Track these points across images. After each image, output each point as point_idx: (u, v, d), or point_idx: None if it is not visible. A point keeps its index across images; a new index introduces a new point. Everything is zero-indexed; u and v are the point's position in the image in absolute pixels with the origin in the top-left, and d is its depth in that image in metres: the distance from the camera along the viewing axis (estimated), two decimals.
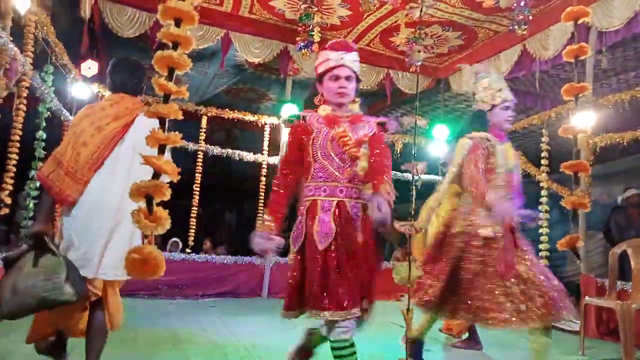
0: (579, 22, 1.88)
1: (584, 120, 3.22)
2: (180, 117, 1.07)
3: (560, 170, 2.00)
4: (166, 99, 1.07)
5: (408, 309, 2.24)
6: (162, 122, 1.05)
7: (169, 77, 1.07)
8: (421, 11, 1.53)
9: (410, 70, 5.96)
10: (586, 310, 3.88)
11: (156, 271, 1.04)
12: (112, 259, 2.12)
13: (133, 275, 1.02)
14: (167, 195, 1.03)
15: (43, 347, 2.27)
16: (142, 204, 1.03)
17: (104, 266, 2.12)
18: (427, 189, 7.37)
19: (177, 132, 1.04)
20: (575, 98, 1.81)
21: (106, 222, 2.14)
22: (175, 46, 1.07)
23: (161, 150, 1.04)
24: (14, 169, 3.93)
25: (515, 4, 4.56)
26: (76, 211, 2.13)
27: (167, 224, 1.03)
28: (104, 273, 2.12)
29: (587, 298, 3.89)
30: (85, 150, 2.13)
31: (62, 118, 5.23)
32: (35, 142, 4.49)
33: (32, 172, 4.48)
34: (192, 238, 6.02)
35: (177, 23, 1.08)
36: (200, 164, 6.12)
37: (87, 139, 2.15)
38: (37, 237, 2.03)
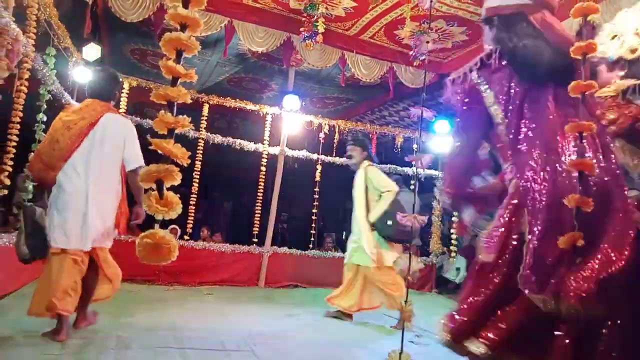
0: (588, 18, 1.85)
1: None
2: (189, 100, 1.06)
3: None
4: (174, 81, 1.05)
5: (406, 301, 2.25)
6: (170, 105, 1.04)
7: (177, 60, 1.06)
8: (432, 1, 1.50)
9: (414, 64, 5.93)
10: None
11: (169, 256, 1.04)
12: (83, 237, 2.78)
13: (145, 260, 1.02)
14: (178, 179, 1.03)
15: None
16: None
17: (73, 241, 2.78)
18: (427, 184, 7.40)
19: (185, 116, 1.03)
20: (582, 96, 1.78)
21: (78, 202, 2.78)
22: (184, 28, 1.06)
23: (170, 133, 1.03)
24: (14, 151, 3.91)
25: None
26: (55, 192, 2.81)
27: (179, 209, 1.03)
28: (69, 245, 2.77)
29: None
30: (57, 145, 2.78)
31: (63, 101, 5.20)
32: (36, 124, 4.46)
33: (32, 155, 4.46)
34: (191, 225, 6.02)
35: (185, 4, 1.07)
36: (201, 152, 6.10)
37: (59, 137, 2.81)
38: (29, 208, 2.81)
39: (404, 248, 4.39)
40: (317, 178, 6.68)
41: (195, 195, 6.03)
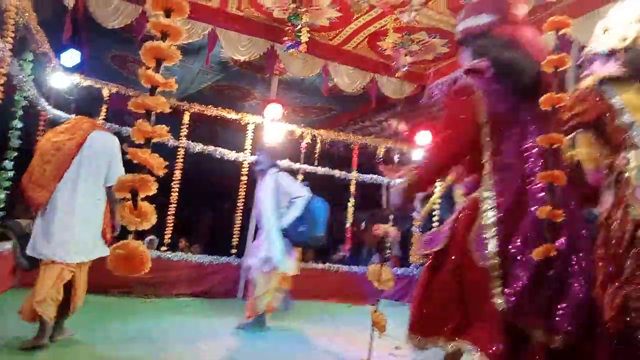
0: (560, 32, 1.90)
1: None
2: (168, 110, 1.03)
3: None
4: (153, 90, 1.03)
5: (376, 311, 2.25)
6: (148, 114, 1.02)
7: (156, 69, 1.04)
8: (410, 15, 1.51)
9: (396, 75, 5.99)
10: None
11: (141, 267, 1.01)
12: (80, 251, 2.90)
13: (117, 271, 0.98)
14: (153, 189, 1.00)
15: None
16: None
17: (72, 256, 2.88)
18: None
19: (163, 125, 1.01)
20: (553, 109, 1.81)
21: (69, 217, 2.88)
22: (164, 37, 1.04)
23: (147, 143, 1.01)
24: None
25: None
26: (46, 212, 2.88)
27: (153, 219, 1.00)
28: (68, 259, 2.87)
29: None
30: (49, 167, 2.89)
31: (39, 107, 5.08)
32: (10, 131, 4.35)
33: (6, 163, 4.34)
34: (169, 236, 5.92)
35: (167, 13, 1.05)
36: (181, 160, 6.02)
37: (49, 158, 2.91)
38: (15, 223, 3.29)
39: (382, 259, 4.39)
40: None
41: (175, 205, 5.93)
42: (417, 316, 1.77)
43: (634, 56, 1.83)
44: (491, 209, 1.62)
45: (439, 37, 5.62)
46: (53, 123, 5.47)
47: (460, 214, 1.75)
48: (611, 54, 1.89)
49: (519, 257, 1.53)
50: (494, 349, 1.47)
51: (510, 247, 1.56)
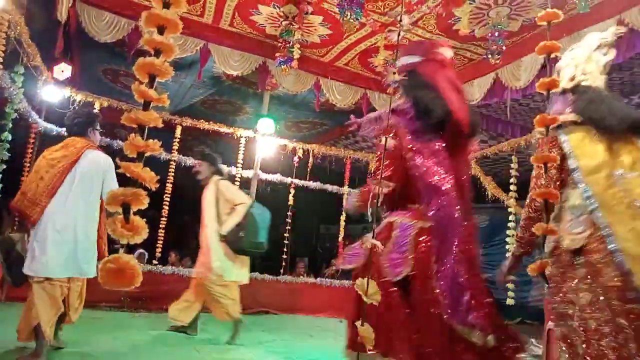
0: (552, 56, 1.97)
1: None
2: (160, 124, 1.05)
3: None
4: (146, 105, 1.04)
5: (362, 323, 2.24)
6: (141, 129, 1.03)
7: (150, 84, 1.05)
8: (399, 35, 1.55)
9: (387, 91, 6.06)
10: (549, 335, 3.95)
11: (132, 281, 1.01)
12: (72, 266, 2.92)
13: (108, 285, 0.98)
14: (145, 203, 1.01)
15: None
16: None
17: (67, 271, 2.92)
18: None
19: (155, 140, 1.02)
20: (546, 129, 1.89)
21: (67, 234, 2.92)
22: (158, 53, 1.05)
23: (139, 157, 1.02)
24: None
25: (490, 34, 4.73)
26: (38, 227, 2.90)
27: (145, 234, 1.00)
28: (63, 274, 2.91)
29: (550, 323, 3.96)
30: (42, 183, 2.93)
31: (30, 120, 5.07)
32: (0, 143, 4.33)
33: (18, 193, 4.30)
34: (160, 249, 5.87)
35: (161, 30, 1.07)
36: (172, 174, 6.01)
37: (43, 174, 2.95)
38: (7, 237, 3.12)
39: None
40: (291, 202, 6.66)
41: (165, 219, 5.90)
42: (352, 333, 1.81)
43: (579, 97, 1.98)
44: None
45: None
46: (44, 136, 5.46)
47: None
48: (563, 93, 2.03)
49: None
50: None
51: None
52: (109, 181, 3.11)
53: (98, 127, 3.34)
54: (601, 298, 1.66)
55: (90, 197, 3.07)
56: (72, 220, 2.95)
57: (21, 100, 4.49)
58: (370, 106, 6.53)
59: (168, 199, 6.02)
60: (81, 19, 4.92)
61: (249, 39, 5.71)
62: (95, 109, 5.76)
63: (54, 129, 5.50)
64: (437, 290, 1.63)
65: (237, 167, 6.37)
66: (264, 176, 6.48)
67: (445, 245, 1.72)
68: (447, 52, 2.05)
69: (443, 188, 1.79)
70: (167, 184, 5.97)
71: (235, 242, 4.08)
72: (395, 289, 1.69)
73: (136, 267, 0.98)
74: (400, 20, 1.42)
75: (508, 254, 5.30)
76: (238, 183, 6.31)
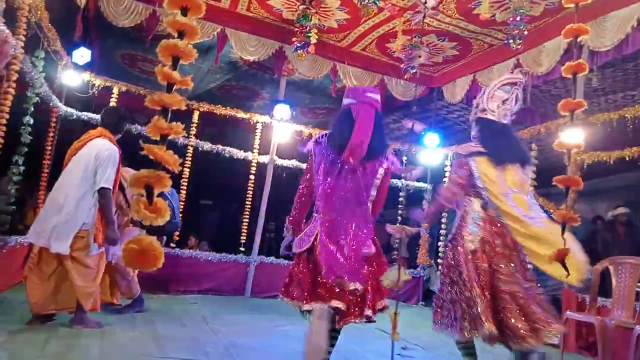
0: (579, 39, 1.91)
1: (573, 137, 3.27)
2: (184, 107, 1.05)
3: (552, 184, 2.02)
4: (169, 88, 1.05)
5: (395, 312, 2.29)
6: (165, 111, 1.03)
7: (173, 66, 1.05)
8: (424, 17, 1.52)
9: (405, 77, 5.98)
10: (566, 324, 3.92)
11: (155, 263, 1.02)
12: (48, 233, 3.15)
13: (131, 266, 1.00)
14: (168, 186, 1.01)
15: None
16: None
17: (42, 236, 3.17)
18: (418, 196, 7.42)
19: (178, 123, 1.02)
20: (571, 113, 1.85)
21: (51, 207, 3.22)
22: (181, 35, 1.05)
23: (163, 139, 1.02)
24: (0, 153, 3.85)
25: (511, 19, 4.62)
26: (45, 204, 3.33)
27: (167, 215, 1.01)
28: (39, 240, 3.19)
29: (567, 312, 3.94)
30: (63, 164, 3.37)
31: (50, 104, 5.14)
32: (22, 127, 4.40)
33: (16, 157, 4.39)
34: (177, 233, 5.95)
35: (184, 12, 1.06)
36: (190, 159, 6.06)
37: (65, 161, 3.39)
38: None
39: (388, 261, 4.38)
40: None
41: (183, 203, 5.97)
42: (286, 285, 2.71)
43: (482, 130, 2.68)
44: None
45: (448, 40, 5.62)
46: (64, 120, 5.54)
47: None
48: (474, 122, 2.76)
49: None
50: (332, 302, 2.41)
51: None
52: (101, 169, 3.25)
53: (124, 128, 3.63)
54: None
55: (82, 179, 3.25)
56: (63, 198, 3.22)
57: (42, 85, 4.55)
58: (387, 92, 6.48)
59: (185, 184, 6.07)
60: (100, 4, 4.95)
61: (266, 24, 5.68)
62: (113, 94, 5.82)
63: (74, 113, 5.57)
64: (319, 259, 2.46)
65: (253, 152, 6.38)
66: (280, 162, 6.48)
67: (326, 232, 2.48)
68: (376, 96, 2.63)
69: (318, 191, 2.58)
70: (185, 169, 6.02)
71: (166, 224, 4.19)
72: (303, 256, 2.58)
73: (159, 249, 0.99)
74: (425, 2, 1.39)
75: None
76: (254, 169, 6.34)
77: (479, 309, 2.31)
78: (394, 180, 7.25)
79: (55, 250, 3.17)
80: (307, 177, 2.65)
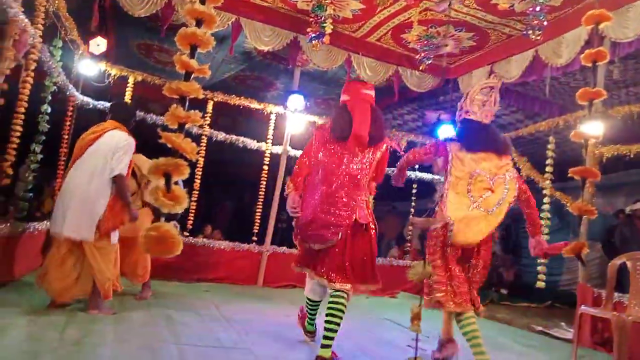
0: (600, 26, 1.86)
1: (592, 128, 3.21)
2: (201, 95, 1.05)
3: (569, 175, 1.99)
4: (187, 76, 1.05)
5: (420, 304, 2.34)
6: (182, 99, 1.03)
7: (191, 55, 1.05)
8: (450, 5, 1.49)
9: (420, 68, 5.92)
10: (581, 319, 3.89)
11: (173, 249, 1.03)
12: (70, 225, 3.25)
13: (150, 252, 1.01)
14: (186, 174, 1.02)
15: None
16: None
17: (64, 229, 3.26)
18: (431, 188, 7.37)
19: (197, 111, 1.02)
20: (589, 103, 1.81)
21: (71, 196, 3.31)
22: (199, 23, 1.05)
23: (180, 128, 1.02)
24: (17, 141, 3.91)
25: (530, 9, 4.53)
26: (59, 194, 3.43)
27: (185, 203, 1.02)
28: (64, 230, 3.27)
29: (582, 307, 3.89)
30: (73, 155, 3.48)
31: (68, 93, 5.20)
32: (40, 115, 4.46)
33: (34, 145, 4.46)
34: (191, 222, 6.01)
35: (202, 0, 1.06)
36: (204, 148, 6.10)
37: (76, 147, 3.50)
38: None
39: (401, 252, 4.37)
40: None
41: (197, 192, 6.02)
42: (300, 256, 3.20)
43: (460, 125, 3.08)
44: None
45: (465, 30, 5.53)
46: (81, 109, 5.60)
47: None
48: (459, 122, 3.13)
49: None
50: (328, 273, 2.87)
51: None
52: (116, 158, 3.38)
53: (133, 125, 3.75)
54: None
55: (101, 170, 3.36)
56: (78, 186, 3.32)
57: (59, 74, 4.59)
58: (401, 83, 6.42)
59: (200, 173, 6.12)
60: None
61: (280, 14, 5.65)
62: (129, 83, 5.87)
63: (90, 102, 5.63)
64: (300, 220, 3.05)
65: (266, 143, 6.39)
66: (294, 152, 6.49)
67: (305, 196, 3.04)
68: (370, 92, 3.09)
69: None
70: (199, 158, 6.06)
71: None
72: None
73: (177, 236, 1.00)
74: None
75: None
76: (267, 159, 6.36)
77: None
78: (408, 173, 7.23)
79: (80, 238, 3.28)
80: (307, 151, 3.11)
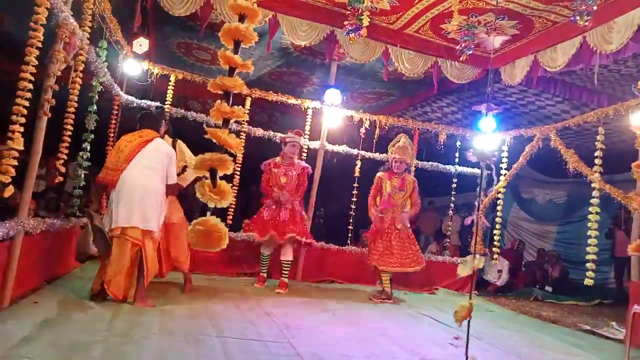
0: None
1: None
2: (245, 91, 1.05)
3: (631, 169, 1.88)
4: (231, 71, 1.05)
5: (470, 303, 2.23)
6: (226, 95, 1.04)
7: (235, 50, 1.05)
8: None
9: (460, 59, 5.77)
10: (634, 319, 3.69)
11: (219, 243, 1.04)
12: (137, 215, 3.57)
13: (197, 246, 1.03)
14: (231, 169, 1.03)
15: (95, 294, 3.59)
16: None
17: (132, 220, 3.55)
18: (470, 182, 7.21)
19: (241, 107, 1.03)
20: None
21: (131, 193, 3.59)
22: (242, 19, 1.05)
23: (225, 123, 1.03)
24: (69, 140, 4.07)
25: None
26: (117, 188, 3.64)
27: (230, 198, 1.03)
28: (129, 223, 3.54)
29: (635, 306, 3.70)
30: (122, 155, 3.75)
31: (113, 93, 5.38)
32: (87, 114, 4.63)
33: (85, 143, 4.65)
34: (231, 217, 6.11)
35: None
36: (242, 145, 6.18)
37: (123, 148, 3.78)
38: (89, 214, 3.77)
39: (440, 248, 4.29)
40: (357, 174, 6.63)
41: (236, 188, 6.11)
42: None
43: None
44: None
45: (507, 18, 5.34)
46: (125, 108, 5.79)
47: None
48: None
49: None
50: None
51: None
52: (172, 167, 3.91)
53: (164, 123, 4.23)
54: None
55: (155, 171, 3.77)
56: (139, 185, 3.63)
57: (105, 74, 4.75)
58: (441, 75, 6.28)
59: (239, 169, 6.20)
60: None
61: (317, 8, 5.63)
62: (170, 81, 6.02)
63: (134, 101, 5.81)
64: None
65: (304, 138, 6.40)
66: (330, 147, 6.48)
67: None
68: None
69: None
70: (238, 154, 6.14)
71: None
72: None
73: (223, 230, 1.01)
74: None
75: (589, 232, 4.98)
76: (305, 154, 6.37)
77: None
78: (447, 166, 7.09)
79: (148, 228, 3.61)
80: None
